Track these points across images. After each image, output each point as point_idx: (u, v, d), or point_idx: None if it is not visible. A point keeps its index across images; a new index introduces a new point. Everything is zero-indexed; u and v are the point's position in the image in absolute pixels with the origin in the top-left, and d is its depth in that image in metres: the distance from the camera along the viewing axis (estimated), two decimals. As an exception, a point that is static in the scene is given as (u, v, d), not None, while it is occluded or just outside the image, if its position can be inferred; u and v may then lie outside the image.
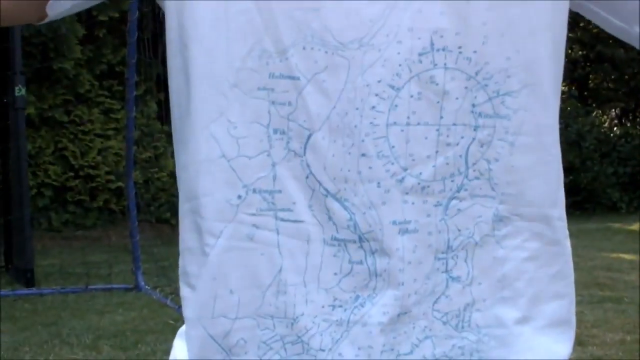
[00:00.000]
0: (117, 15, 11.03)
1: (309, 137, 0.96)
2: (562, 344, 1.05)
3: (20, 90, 7.58)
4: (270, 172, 0.96)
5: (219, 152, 0.98)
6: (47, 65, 10.80)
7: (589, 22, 1.10)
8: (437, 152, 0.96)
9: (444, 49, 0.94)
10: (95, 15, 11.37)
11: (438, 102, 0.95)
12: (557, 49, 1.03)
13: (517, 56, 0.97)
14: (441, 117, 0.95)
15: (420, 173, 0.96)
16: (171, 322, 5.48)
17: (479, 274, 0.99)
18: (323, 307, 0.95)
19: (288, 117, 0.96)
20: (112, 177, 10.83)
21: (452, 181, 0.96)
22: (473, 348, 0.99)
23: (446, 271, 0.97)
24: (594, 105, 17.61)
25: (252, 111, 0.97)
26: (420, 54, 0.94)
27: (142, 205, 8.94)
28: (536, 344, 1.02)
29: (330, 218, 0.95)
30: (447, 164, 0.96)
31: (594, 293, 5.95)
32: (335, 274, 0.95)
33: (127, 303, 6.03)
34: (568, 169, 14.38)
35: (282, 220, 0.96)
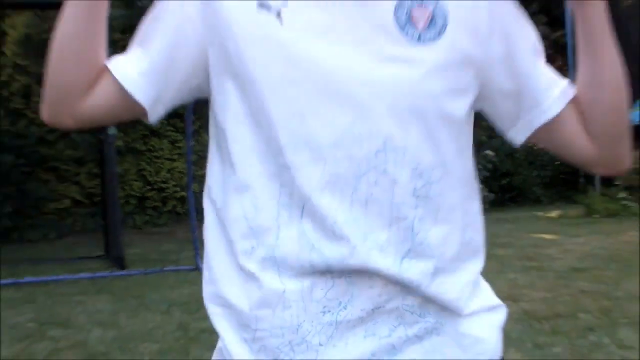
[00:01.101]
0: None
1: (304, 206, 0.91)
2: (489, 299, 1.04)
3: (112, 130, 7.60)
4: (276, 232, 0.92)
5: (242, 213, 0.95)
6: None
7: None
8: (389, 224, 0.92)
9: (394, 149, 0.90)
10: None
11: (389, 187, 0.91)
12: (465, 149, 1.00)
13: (438, 156, 0.93)
14: (392, 199, 0.92)
15: (377, 240, 0.92)
16: None
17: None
18: (316, 314, 0.91)
19: (290, 194, 0.92)
20: (177, 189, 10.81)
21: (403, 246, 0.93)
22: (434, 326, 0.96)
23: (400, 317, 0.94)
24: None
25: (268, 190, 0.93)
26: (377, 152, 0.90)
27: (199, 209, 8.92)
28: (472, 304, 0.99)
29: (312, 264, 0.92)
30: (398, 233, 0.92)
31: (524, 263, 5.90)
32: (322, 289, 0.91)
33: (190, 280, 6.01)
34: (506, 174, 14.26)
35: (281, 266, 0.93)
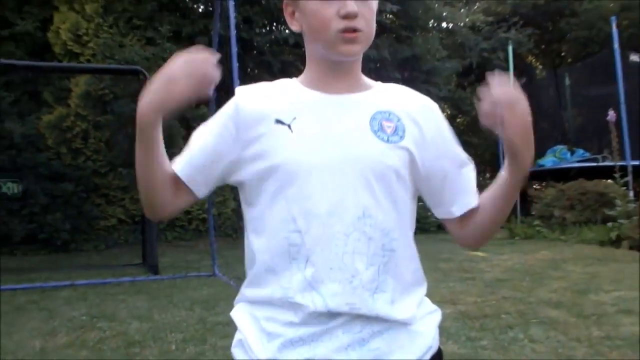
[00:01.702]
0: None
1: (308, 259, 0.97)
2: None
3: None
4: (289, 279, 0.99)
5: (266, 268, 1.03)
6: (166, 151, 10.76)
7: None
8: (366, 268, 0.98)
9: (370, 216, 0.98)
10: (191, 124, 11.36)
11: (367, 242, 0.98)
12: (413, 202, 1.07)
13: (397, 220, 1.01)
14: (368, 249, 0.98)
15: (361, 279, 0.97)
16: (233, 294, 5.32)
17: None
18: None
19: (298, 251, 0.98)
20: (200, 212, 10.69)
21: (373, 283, 0.99)
22: (391, 326, 1.01)
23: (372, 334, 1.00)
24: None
25: (280, 248, 0.99)
26: (359, 218, 0.97)
27: (216, 227, 8.89)
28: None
29: (313, 301, 0.98)
30: (372, 274, 0.98)
31: (461, 275, 5.86)
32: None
33: (208, 283, 5.97)
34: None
35: (290, 299, 0.99)
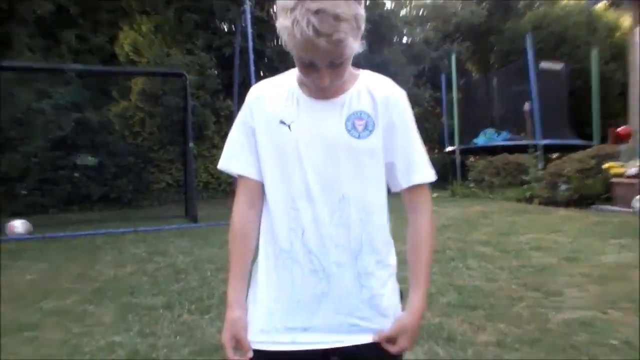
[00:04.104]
0: (228, 112, 10.89)
1: (303, 231, 0.94)
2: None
3: (191, 144, 7.48)
4: (290, 244, 0.95)
5: (273, 234, 0.97)
6: (201, 132, 10.65)
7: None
8: (349, 236, 0.95)
9: (347, 198, 0.94)
10: (220, 111, 11.22)
11: (348, 217, 0.94)
12: (384, 188, 0.99)
13: (374, 196, 0.96)
14: (350, 223, 0.94)
15: (344, 245, 0.95)
16: None
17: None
18: (309, 297, 0.95)
19: (296, 223, 0.94)
20: (227, 177, 10.65)
21: (357, 248, 0.95)
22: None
23: (360, 283, 0.96)
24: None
25: (283, 221, 0.95)
26: (339, 200, 0.94)
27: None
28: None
29: (311, 261, 0.94)
30: (355, 240, 0.95)
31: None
32: (314, 284, 0.95)
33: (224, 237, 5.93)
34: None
35: (293, 262, 0.95)
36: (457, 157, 11.13)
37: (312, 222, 0.93)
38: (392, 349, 0.96)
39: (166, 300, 3.17)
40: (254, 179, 0.99)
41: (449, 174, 11.08)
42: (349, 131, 0.94)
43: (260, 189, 0.99)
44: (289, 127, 0.94)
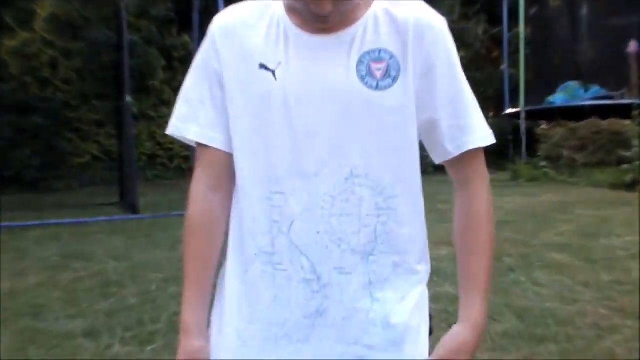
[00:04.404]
0: (184, 53, 10.90)
1: (292, 223, 0.94)
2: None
3: (128, 98, 7.58)
4: (271, 242, 0.96)
5: (247, 228, 0.98)
6: (143, 83, 10.67)
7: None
8: (359, 230, 0.95)
9: (357, 176, 0.94)
10: (172, 53, 11.21)
11: (357, 203, 0.94)
12: (417, 165, 1.01)
13: (398, 174, 0.96)
14: (360, 211, 0.95)
15: (350, 242, 0.94)
16: None
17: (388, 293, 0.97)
18: (298, 318, 0.95)
19: (280, 213, 0.94)
20: (182, 149, 10.74)
21: (369, 246, 0.96)
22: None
23: (370, 295, 0.96)
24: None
25: (262, 210, 0.96)
26: (346, 179, 0.94)
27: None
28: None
29: (302, 267, 0.94)
30: (365, 236, 0.95)
31: None
32: (305, 298, 0.95)
33: (179, 225, 6.03)
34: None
35: (277, 269, 0.95)
36: (523, 123, 11.16)
37: (304, 212, 0.94)
38: None
39: (89, 325, 3.19)
40: (221, 150, 1.01)
41: (510, 148, 11.14)
42: (362, 79, 0.94)
43: (229, 165, 1.01)
44: (274, 73, 0.95)
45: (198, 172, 1.04)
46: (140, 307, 3.47)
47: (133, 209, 7.02)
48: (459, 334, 1.01)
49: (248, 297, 0.99)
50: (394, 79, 0.94)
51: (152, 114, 11.09)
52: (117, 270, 4.32)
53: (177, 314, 3.42)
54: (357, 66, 0.94)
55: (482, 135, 1.02)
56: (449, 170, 1.06)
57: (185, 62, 10.77)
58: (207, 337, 1.02)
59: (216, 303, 1.04)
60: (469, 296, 1.03)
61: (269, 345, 0.97)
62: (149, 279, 4.05)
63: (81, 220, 6.47)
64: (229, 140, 0.99)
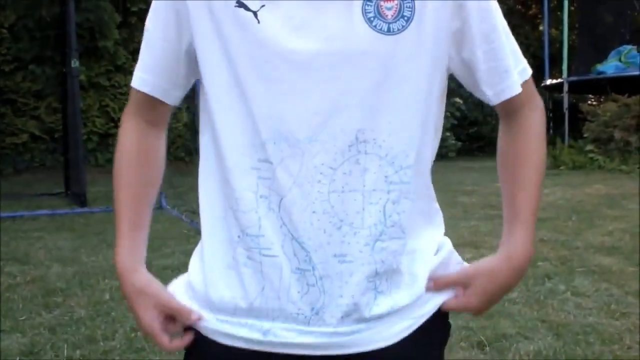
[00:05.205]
0: (144, 7, 10.82)
1: (281, 200, 0.95)
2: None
3: (75, 63, 7.53)
4: (257, 222, 0.97)
5: (228, 205, 1.00)
6: (94, 44, 10.62)
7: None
8: (363, 209, 0.96)
9: (364, 141, 0.94)
10: (129, 7, 11.15)
11: (361, 176, 0.95)
12: (436, 129, 1.04)
13: (411, 142, 0.97)
14: (364, 186, 0.96)
15: (352, 223, 0.96)
16: (184, 231, 5.41)
17: (396, 290, 1.00)
18: (292, 314, 0.97)
19: (269, 187, 0.95)
20: (142, 127, 10.74)
21: (376, 228, 0.97)
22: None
23: (375, 289, 0.98)
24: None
25: (247, 183, 0.97)
26: (349, 145, 0.94)
27: (164, 148, 8.82)
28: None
29: (295, 254, 0.95)
30: (371, 217, 0.96)
31: (487, 212, 5.92)
32: (298, 292, 0.96)
33: (154, 218, 5.97)
34: (474, 122, 14.28)
35: (264, 255, 0.96)
36: (566, 98, 11.16)
37: (296, 186, 0.95)
38: (451, 303, 1.05)
39: (27, 343, 3.20)
40: (154, 97, 1.07)
41: (550, 128, 11.12)
42: (369, 21, 0.94)
43: (167, 113, 1.11)
44: (256, 15, 0.95)
45: (132, 110, 1.10)
46: (91, 321, 3.47)
47: (81, 200, 7.00)
48: (489, 261, 1.07)
49: (231, 287, 1.00)
50: (408, 20, 0.94)
51: (105, 82, 11.02)
52: (63, 276, 4.31)
53: (135, 330, 3.45)
54: (363, 5, 0.94)
55: (521, 69, 1.08)
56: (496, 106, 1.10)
57: (145, 18, 10.68)
58: (150, 277, 1.07)
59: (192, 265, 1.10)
60: (508, 227, 1.08)
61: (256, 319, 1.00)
62: (100, 287, 4.05)
63: (17, 214, 6.48)
64: (167, 87, 1.05)
